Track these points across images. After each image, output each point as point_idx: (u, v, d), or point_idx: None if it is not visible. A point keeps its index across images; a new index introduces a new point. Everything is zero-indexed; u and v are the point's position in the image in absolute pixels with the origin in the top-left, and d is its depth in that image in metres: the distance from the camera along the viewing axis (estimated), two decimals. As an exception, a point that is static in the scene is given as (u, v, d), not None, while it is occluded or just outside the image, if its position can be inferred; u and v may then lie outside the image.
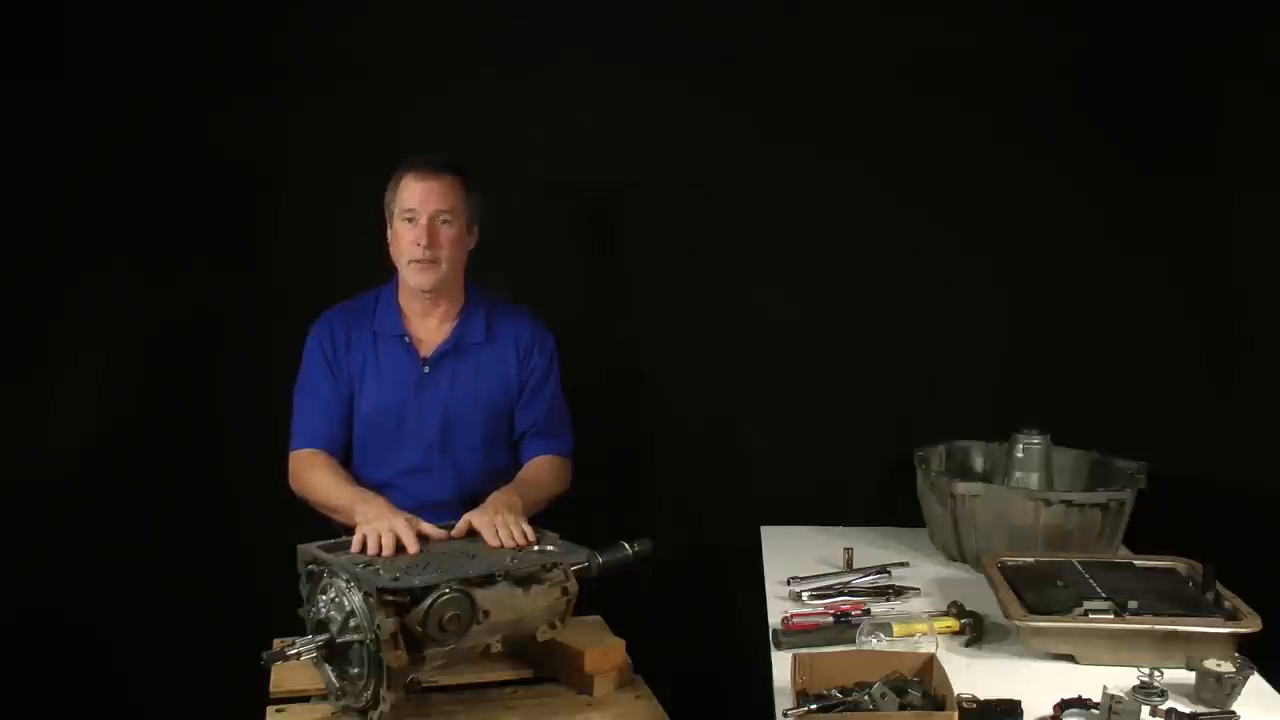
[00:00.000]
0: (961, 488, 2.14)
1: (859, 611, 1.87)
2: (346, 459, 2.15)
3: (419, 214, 2.07)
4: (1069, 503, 2.09)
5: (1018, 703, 1.50)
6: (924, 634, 1.74)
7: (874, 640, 1.72)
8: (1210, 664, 1.55)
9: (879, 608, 1.92)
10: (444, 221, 2.08)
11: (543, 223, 2.59)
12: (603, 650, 1.77)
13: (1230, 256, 2.53)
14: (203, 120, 2.45)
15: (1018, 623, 1.71)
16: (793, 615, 1.85)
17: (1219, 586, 1.79)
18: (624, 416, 2.63)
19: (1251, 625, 1.65)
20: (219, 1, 2.46)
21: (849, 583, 2.04)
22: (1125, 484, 2.14)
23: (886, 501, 2.54)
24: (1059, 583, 1.83)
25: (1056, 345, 2.57)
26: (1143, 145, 2.51)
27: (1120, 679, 1.52)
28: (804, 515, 2.44)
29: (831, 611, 1.87)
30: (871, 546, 2.25)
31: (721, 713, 2.32)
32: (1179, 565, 1.93)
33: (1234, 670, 1.54)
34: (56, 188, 2.44)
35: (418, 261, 2.08)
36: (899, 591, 1.99)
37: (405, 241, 2.08)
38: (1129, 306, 2.56)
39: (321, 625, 1.62)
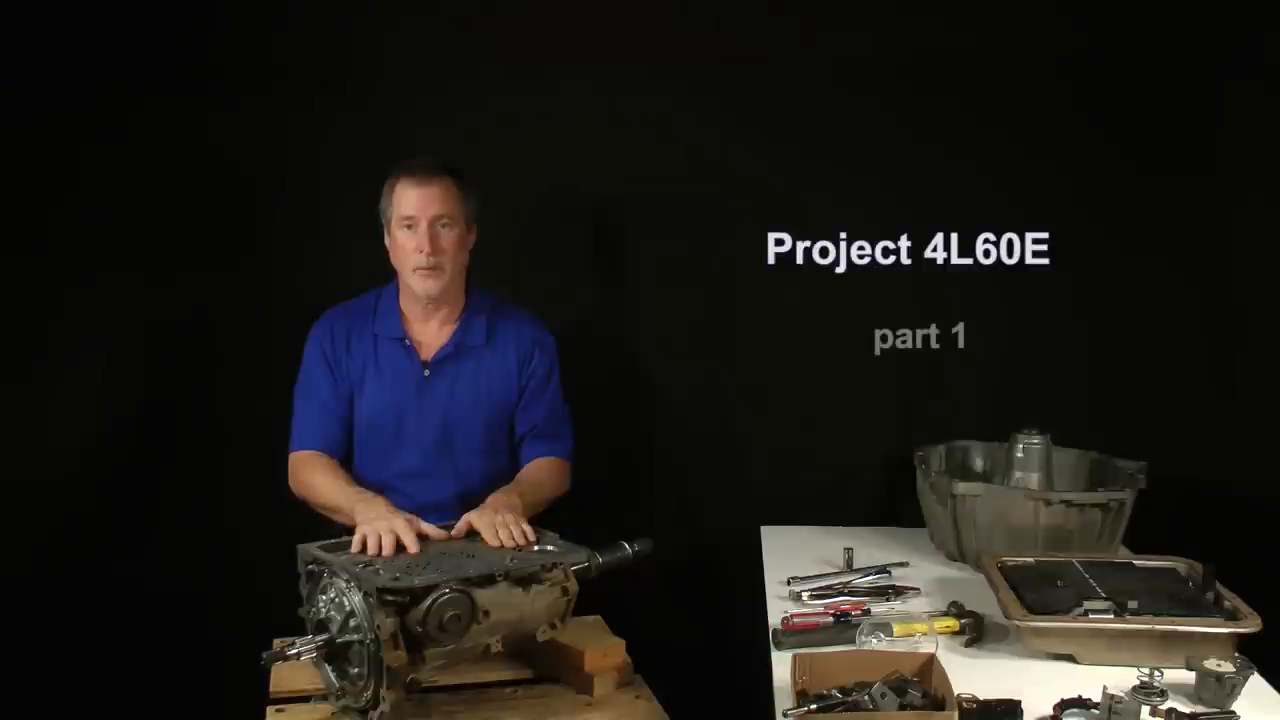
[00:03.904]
0: (961, 488, 2.14)
1: (859, 611, 1.87)
2: (347, 460, 2.15)
3: (418, 220, 2.06)
4: (1069, 503, 2.09)
5: (1018, 703, 1.50)
6: (924, 634, 1.74)
7: (874, 640, 1.72)
8: (1210, 664, 1.55)
9: (879, 608, 1.92)
10: (444, 225, 2.07)
11: (543, 223, 2.59)
12: (603, 650, 1.77)
13: (1230, 256, 2.53)
14: (202, 120, 2.45)
15: (1018, 623, 1.71)
16: (793, 615, 1.85)
17: (1219, 586, 1.79)
18: (624, 416, 2.63)
19: (1251, 625, 1.65)
20: (218, 1, 2.46)
21: (849, 583, 2.04)
22: (1125, 484, 2.14)
23: (886, 501, 2.54)
24: (1059, 583, 1.83)
25: (1056, 345, 2.57)
26: (1143, 145, 2.51)
27: (1120, 679, 1.52)
28: (804, 515, 2.45)
29: (831, 611, 1.87)
30: (871, 546, 2.25)
31: (721, 713, 2.31)
32: (1179, 565, 1.93)
33: (1234, 670, 1.54)
34: (56, 187, 2.44)
35: (423, 269, 2.07)
36: (899, 591, 1.99)
37: (407, 250, 2.07)
38: (1129, 307, 2.56)
39: (321, 625, 1.62)
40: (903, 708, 1.46)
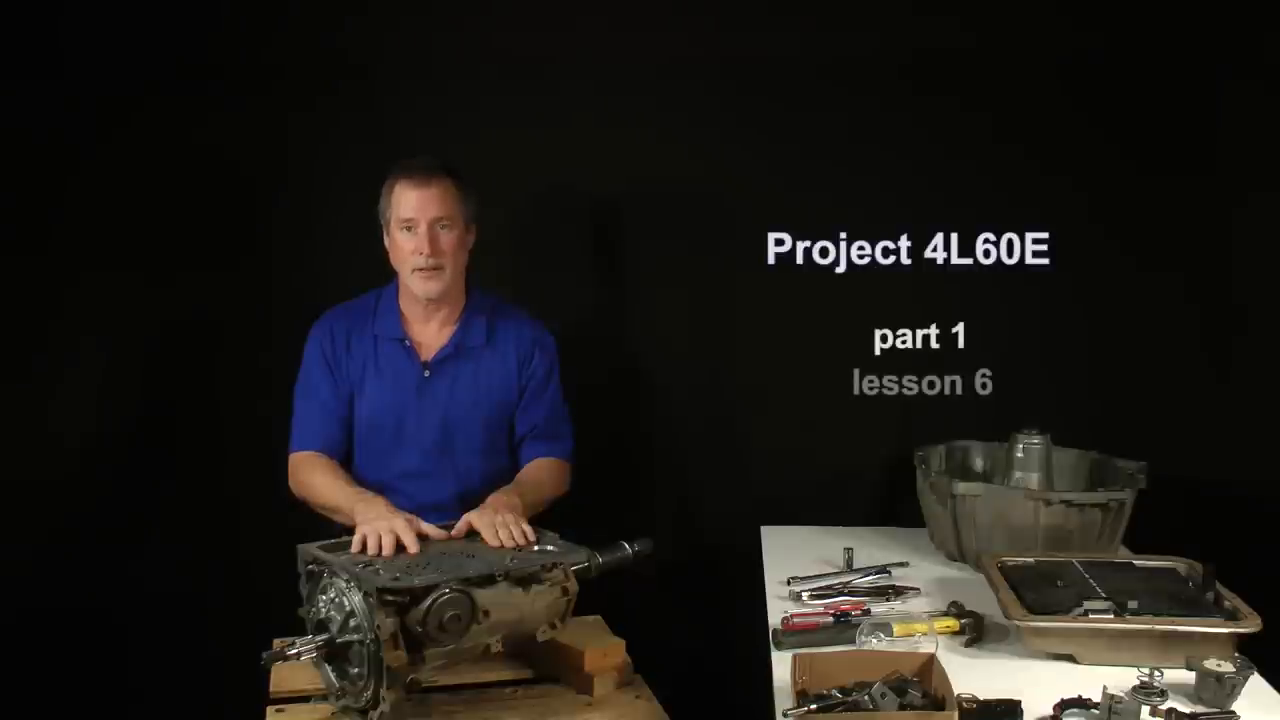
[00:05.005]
0: (961, 488, 2.14)
1: (859, 611, 1.87)
2: (347, 460, 2.15)
3: (418, 222, 2.05)
4: (1069, 503, 2.09)
5: (1018, 703, 1.50)
6: (924, 634, 1.74)
7: (874, 640, 1.72)
8: (1210, 664, 1.55)
9: (879, 608, 1.92)
10: (443, 227, 2.07)
11: (543, 223, 2.59)
12: (603, 650, 1.77)
13: (1230, 256, 2.53)
14: (202, 120, 2.45)
15: (1018, 623, 1.71)
16: (793, 615, 1.85)
17: (1219, 586, 1.79)
18: (624, 416, 2.63)
19: (1251, 625, 1.65)
20: (218, 1, 2.46)
21: (849, 583, 2.04)
22: (1125, 484, 2.14)
23: (886, 501, 2.54)
24: (1059, 583, 1.83)
25: (1056, 345, 2.57)
26: (1143, 145, 2.51)
27: (1120, 679, 1.52)
28: (804, 515, 2.44)
29: (831, 611, 1.87)
30: (871, 546, 2.25)
31: (721, 713, 2.31)
32: (1179, 565, 1.93)
33: (1234, 670, 1.54)
34: (56, 187, 2.44)
35: (422, 270, 2.07)
36: (899, 591, 1.99)
37: (406, 251, 2.07)
38: (1129, 306, 2.56)
39: (321, 625, 1.62)
40: (903, 708, 1.46)
